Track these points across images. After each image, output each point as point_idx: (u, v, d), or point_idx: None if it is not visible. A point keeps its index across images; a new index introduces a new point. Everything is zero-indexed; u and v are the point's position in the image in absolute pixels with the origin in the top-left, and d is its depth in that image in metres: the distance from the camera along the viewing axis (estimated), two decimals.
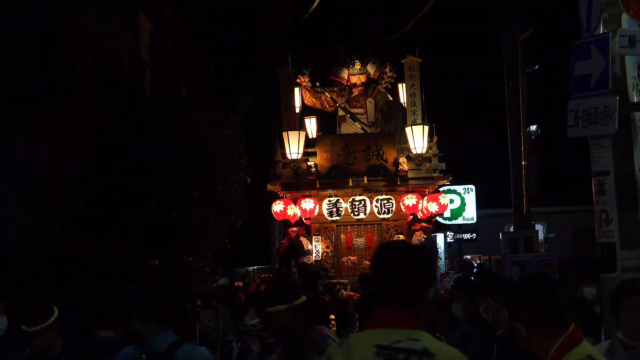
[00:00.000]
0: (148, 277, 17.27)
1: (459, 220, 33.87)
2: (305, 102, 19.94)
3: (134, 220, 16.65)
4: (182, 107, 18.72)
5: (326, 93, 19.86)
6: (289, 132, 18.62)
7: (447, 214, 32.10)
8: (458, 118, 32.11)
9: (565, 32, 11.27)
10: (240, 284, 19.62)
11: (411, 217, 18.70)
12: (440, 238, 34.71)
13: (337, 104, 19.85)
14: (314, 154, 18.70)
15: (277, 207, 18.79)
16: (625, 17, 8.59)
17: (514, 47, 22.23)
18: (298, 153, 18.61)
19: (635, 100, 8.66)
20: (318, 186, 18.47)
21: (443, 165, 18.95)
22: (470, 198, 33.43)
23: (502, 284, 9.01)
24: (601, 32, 8.64)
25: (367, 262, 18.44)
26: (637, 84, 8.86)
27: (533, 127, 23.02)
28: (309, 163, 18.57)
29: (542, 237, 29.33)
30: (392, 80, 20.14)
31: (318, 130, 20.15)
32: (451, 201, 31.69)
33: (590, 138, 8.76)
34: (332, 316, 16.91)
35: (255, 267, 27.64)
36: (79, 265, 16.30)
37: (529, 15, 22.41)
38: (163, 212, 16.94)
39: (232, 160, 20.20)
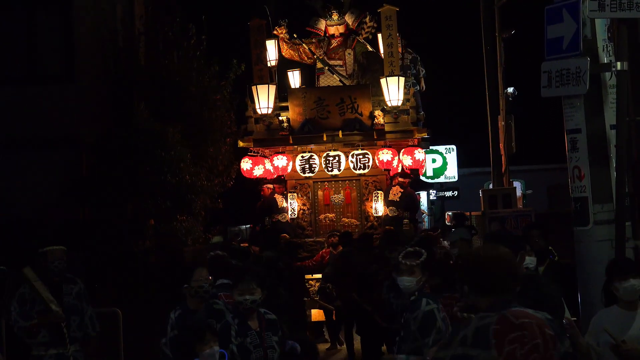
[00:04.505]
0: (144, 238, 17.93)
1: (441, 179, 34.58)
2: (283, 54, 18.89)
3: (131, 184, 17.34)
4: (174, 75, 19.42)
5: (304, 45, 18.84)
6: (258, 86, 17.52)
7: (429, 172, 32.89)
8: (439, 82, 32.63)
9: None
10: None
11: (399, 171, 17.93)
12: (423, 196, 35.55)
13: (315, 56, 18.87)
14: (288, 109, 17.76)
15: (245, 164, 17.98)
16: None
17: (492, 13, 22.90)
18: (268, 107, 17.50)
19: (606, 61, 9.10)
20: (291, 141, 17.50)
21: (422, 116, 18.15)
22: (452, 157, 34.10)
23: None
24: None
25: (346, 220, 18.11)
26: (607, 45, 9.28)
27: (510, 89, 23.62)
28: (280, 118, 17.55)
29: (520, 194, 29.90)
30: (373, 31, 18.99)
31: (302, 84, 19.25)
32: (433, 160, 32.56)
33: (563, 98, 9.19)
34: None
35: (248, 225, 28.04)
36: (88, 229, 17.07)
37: None
38: (157, 175, 17.66)
39: (224, 124, 20.96)
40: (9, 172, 19.33)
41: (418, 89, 18.84)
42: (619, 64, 8.80)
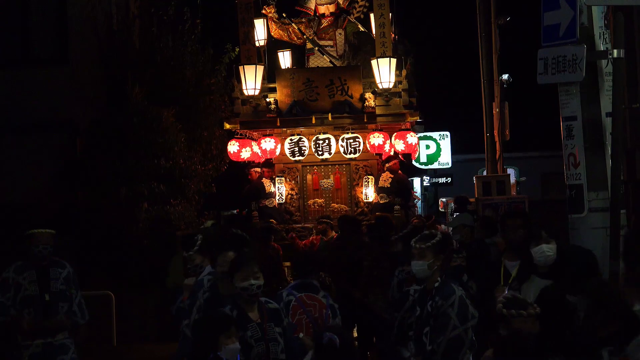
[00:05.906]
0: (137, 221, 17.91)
1: (435, 165, 34.33)
2: (272, 34, 18.25)
3: (124, 167, 17.33)
4: (169, 58, 19.41)
5: (293, 24, 18.15)
6: (245, 66, 16.90)
7: (423, 158, 32.80)
8: (433, 68, 32.63)
9: None
10: None
11: (392, 155, 17.26)
12: (417, 182, 35.55)
13: (305, 36, 18.22)
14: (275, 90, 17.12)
15: (232, 147, 17.35)
16: None
17: (487, 0, 22.89)
18: (255, 89, 16.85)
19: (602, 49, 9.15)
20: (279, 124, 16.88)
21: (414, 100, 17.32)
22: (446, 144, 33.92)
23: None
24: None
25: (335, 205, 17.46)
26: (603, 33, 9.38)
27: (505, 76, 23.63)
28: (268, 99, 16.93)
29: (514, 181, 29.93)
30: (365, 10, 18.21)
31: (293, 65, 18.71)
32: (427, 147, 32.43)
33: (559, 85, 9.22)
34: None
35: (235, 210, 27.86)
36: (81, 212, 17.04)
37: None
38: (151, 158, 17.64)
39: (218, 108, 20.95)
40: (2, 156, 19.29)
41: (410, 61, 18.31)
42: (615, 51, 8.82)
